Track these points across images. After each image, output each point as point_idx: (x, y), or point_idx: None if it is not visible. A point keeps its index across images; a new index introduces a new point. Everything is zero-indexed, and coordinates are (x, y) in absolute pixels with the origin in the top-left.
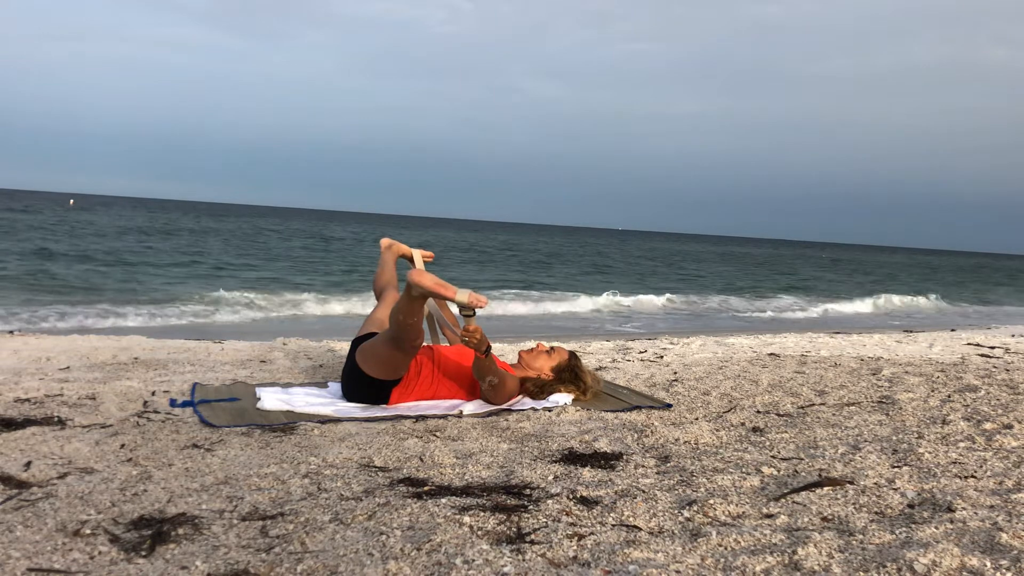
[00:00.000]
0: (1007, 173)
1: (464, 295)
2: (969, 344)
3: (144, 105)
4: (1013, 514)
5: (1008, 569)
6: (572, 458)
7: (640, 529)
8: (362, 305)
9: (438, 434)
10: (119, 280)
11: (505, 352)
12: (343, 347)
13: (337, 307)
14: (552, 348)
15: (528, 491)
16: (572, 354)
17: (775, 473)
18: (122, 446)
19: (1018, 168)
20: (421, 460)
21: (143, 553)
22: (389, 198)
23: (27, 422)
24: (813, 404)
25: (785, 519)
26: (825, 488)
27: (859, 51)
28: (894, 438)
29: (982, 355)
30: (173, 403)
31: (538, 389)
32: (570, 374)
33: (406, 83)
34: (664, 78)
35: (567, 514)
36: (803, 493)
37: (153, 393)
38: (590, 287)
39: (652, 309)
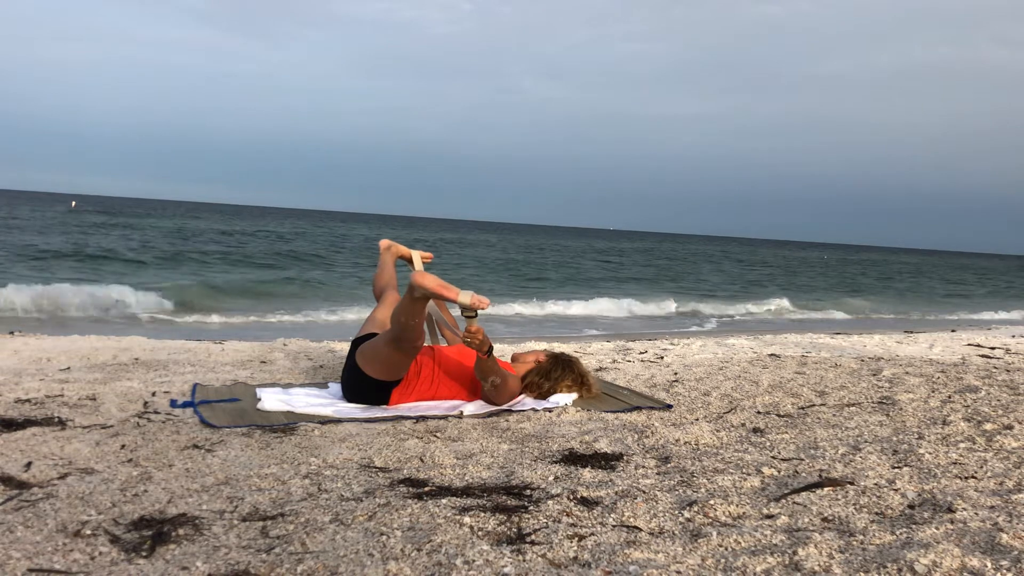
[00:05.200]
0: (1009, 174)
1: (466, 296)
2: (970, 345)
3: (144, 106)
4: (1014, 515)
5: (1008, 570)
6: (572, 459)
7: (640, 530)
8: None
9: (438, 435)
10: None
11: (506, 353)
12: (343, 347)
13: None
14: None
15: (528, 492)
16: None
17: (775, 474)
18: (122, 447)
19: (1018, 169)
20: (421, 461)
21: (144, 554)
22: (388, 198)
23: (27, 422)
24: (813, 405)
25: (786, 520)
26: (826, 489)
27: (859, 51)
28: (894, 439)
29: (983, 356)
30: (174, 404)
31: (542, 378)
32: (565, 360)
33: (406, 83)
34: (664, 78)
35: (567, 515)
36: (804, 494)
37: (153, 394)
38: None
39: None
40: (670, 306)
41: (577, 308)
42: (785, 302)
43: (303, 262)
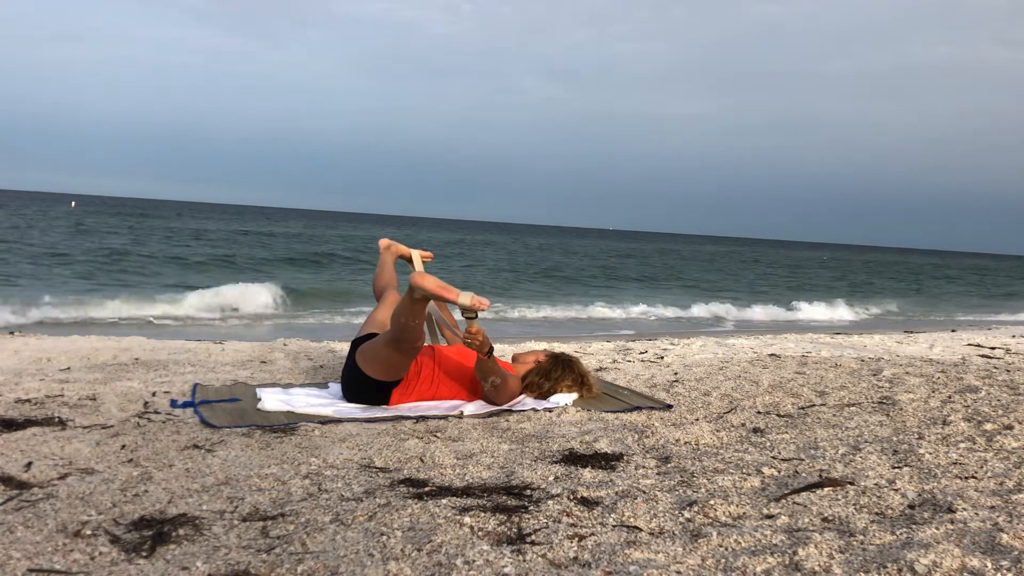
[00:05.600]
0: (1008, 174)
1: (466, 298)
2: (970, 345)
3: (143, 106)
4: (1014, 515)
5: (1009, 570)
6: (573, 459)
7: (641, 530)
8: None
9: (439, 435)
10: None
11: (506, 353)
12: (343, 347)
13: None
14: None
15: (529, 492)
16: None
17: (776, 474)
18: (123, 447)
19: (1018, 169)
20: (422, 461)
21: (144, 554)
22: (388, 198)
23: (28, 423)
24: (814, 405)
25: (786, 520)
26: (826, 489)
27: (859, 51)
28: (895, 439)
29: (983, 356)
30: (174, 404)
31: (542, 378)
32: (565, 360)
33: (406, 83)
34: (664, 78)
35: (568, 515)
36: (804, 494)
37: (154, 394)
38: None
39: None
40: (731, 311)
41: (626, 312)
42: (843, 306)
43: (343, 260)
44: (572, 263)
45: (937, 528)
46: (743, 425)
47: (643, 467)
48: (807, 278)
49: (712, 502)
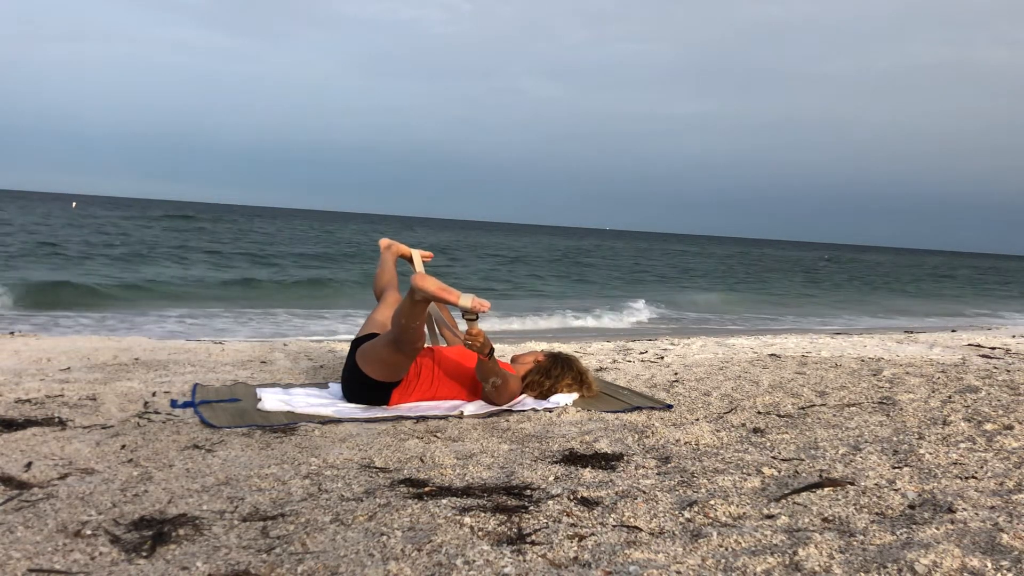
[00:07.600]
0: (1007, 174)
1: (467, 299)
2: (970, 345)
3: (144, 105)
4: (1014, 515)
5: (1009, 570)
6: (573, 459)
7: (641, 530)
8: None
9: (439, 435)
10: None
11: (505, 354)
12: (343, 348)
13: None
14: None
15: (529, 492)
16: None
17: (776, 474)
18: (123, 447)
19: (1018, 169)
20: (422, 461)
21: (144, 554)
22: (388, 198)
23: (28, 423)
24: (814, 405)
25: (786, 520)
26: (826, 489)
27: (859, 51)
28: (895, 439)
29: (983, 356)
30: (174, 404)
31: (543, 376)
32: (564, 358)
33: (406, 83)
34: (664, 78)
35: (568, 515)
36: (804, 494)
37: (154, 394)
38: None
39: None
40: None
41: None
42: None
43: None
44: (710, 266)
45: (937, 528)
46: (743, 425)
47: (643, 467)
48: (960, 284)
49: (712, 502)
